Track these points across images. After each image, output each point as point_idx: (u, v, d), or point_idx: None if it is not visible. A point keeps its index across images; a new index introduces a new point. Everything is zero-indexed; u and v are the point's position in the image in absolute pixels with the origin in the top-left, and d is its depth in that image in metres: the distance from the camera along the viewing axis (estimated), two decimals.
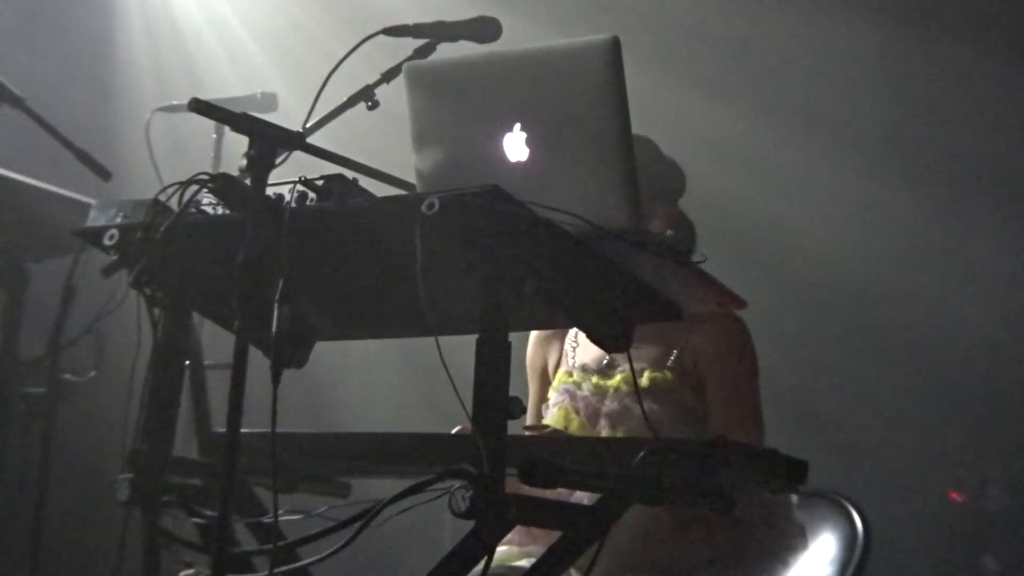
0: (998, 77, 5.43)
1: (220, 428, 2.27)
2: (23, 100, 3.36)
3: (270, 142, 2.13)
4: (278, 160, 2.14)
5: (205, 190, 2.21)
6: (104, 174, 3.39)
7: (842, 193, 5.61)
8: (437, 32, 2.71)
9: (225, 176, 2.21)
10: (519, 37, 2.54)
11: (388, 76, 2.66)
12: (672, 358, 2.84)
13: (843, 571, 2.75)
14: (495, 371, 2.08)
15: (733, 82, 5.67)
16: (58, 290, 3.08)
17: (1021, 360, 5.19)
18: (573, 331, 2.97)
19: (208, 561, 2.16)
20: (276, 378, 2.08)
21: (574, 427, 2.85)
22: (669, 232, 2.89)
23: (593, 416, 2.84)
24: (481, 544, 2.08)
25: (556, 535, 2.23)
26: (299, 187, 2.15)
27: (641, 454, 2.18)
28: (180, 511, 2.41)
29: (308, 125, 2.51)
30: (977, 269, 5.41)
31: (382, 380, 5.55)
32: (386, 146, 3.20)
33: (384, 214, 2.11)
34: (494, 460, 2.03)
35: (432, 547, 4.43)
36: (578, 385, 2.89)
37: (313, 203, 2.15)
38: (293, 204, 2.15)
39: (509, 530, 2.21)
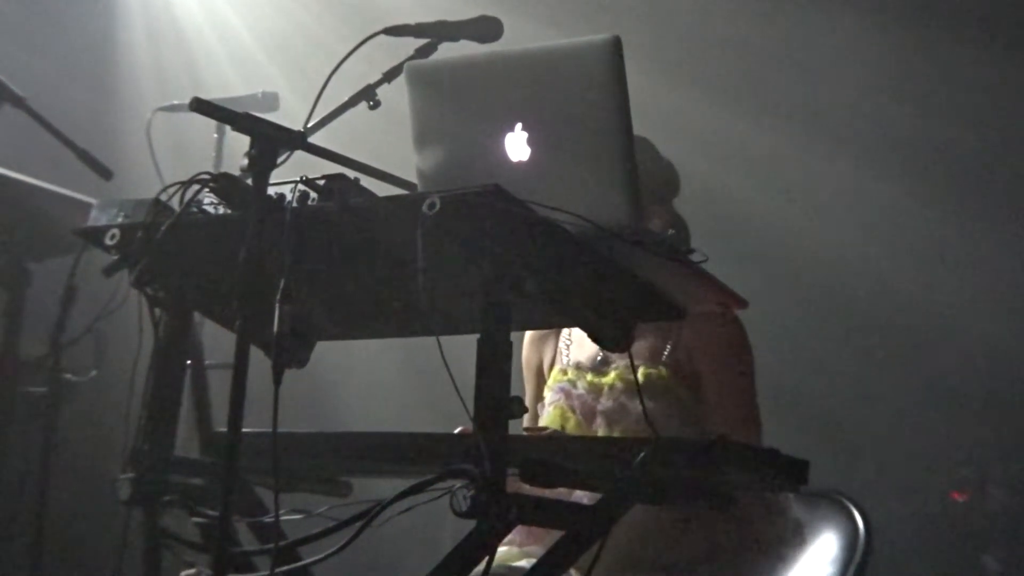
0: (998, 77, 5.42)
1: (221, 428, 2.26)
2: (24, 99, 3.37)
3: (271, 142, 2.13)
4: (279, 160, 2.14)
5: (206, 190, 2.21)
6: (105, 173, 3.40)
7: (842, 193, 5.62)
8: (438, 32, 2.71)
9: (226, 176, 2.21)
10: (520, 37, 2.54)
11: (389, 76, 2.66)
12: (666, 353, 2.84)
13: (844, 570, 2.75)
14: (496, 371, 2.08)
15: (733, 82, 5.67)
16: (59, 290, 3.08)
17: (1021, 360, 5.19)
18: (567, 328, 2.97)
19: (209, 561, 2.17)
20: (277, 378, 2.08)
21: (570, 426, 2.85)
22: (670, 231, 2.89)
23: (589, 414, 2.84)
24: (482, 544, 2.08)
25: (556, 535, 2.23)
26: (300, 187, 2.15)
27: (642, 454, 2.18)
28: (181, 511, 2.41)
29: (309, 125, 2.51)
30: (977, 269, 5.41)
31: (383, 380, 5.55)
32: (387, 145, 3.20)
33: (385, 213, 2.11)
34: (495, 460, 2.03)
35: (433, 547, 4.42)
36: (573, 383, 2.89)
37: (314, 203, 2.15)
38: (294, 204, 2.15)
39: (510, 530, 2.22)
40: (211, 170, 2.35)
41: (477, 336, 2.11)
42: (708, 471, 2.25)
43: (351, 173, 2.18)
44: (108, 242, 2.33)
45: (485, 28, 2.70)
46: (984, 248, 5.40)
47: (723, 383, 2.82)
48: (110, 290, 2.43)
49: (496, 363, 2.08)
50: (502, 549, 2.70)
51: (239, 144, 2.17)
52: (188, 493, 2.41)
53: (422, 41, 2.70)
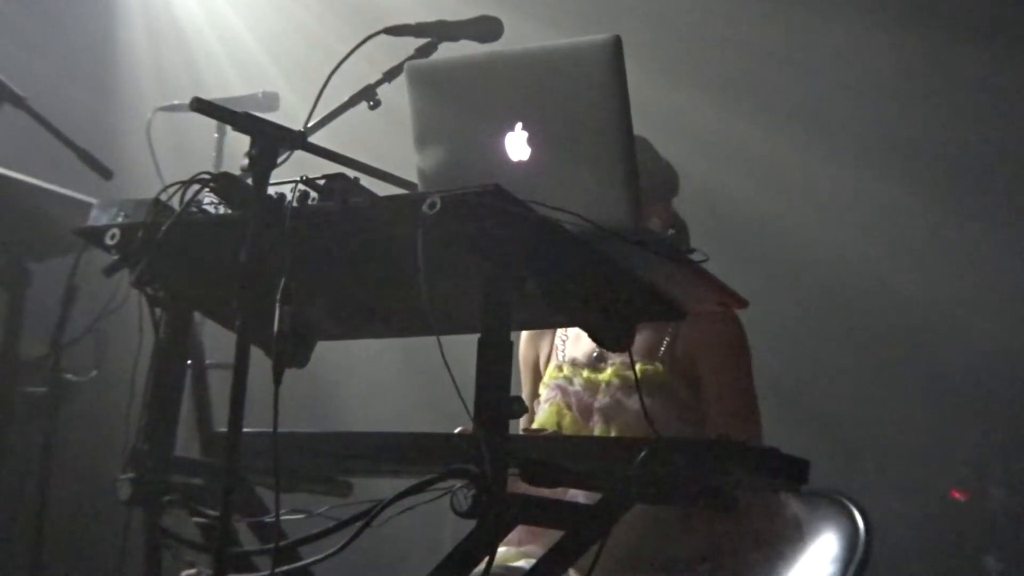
0: (999, 77, 5.43)
1: (222, 428, 2.26)
2: (24, 99, 3.37)
3: (272, 141, 2.13)
4: (280, 159, 2.14)
5: (207, 189, 2.21)
6: (105, 173, 3.39)
7: (842, 193, 5.62)
8: (439, 31, 2.71)
9: (227, 175, 2.21)
10: (520, 37, 2.54)
11: (390, 75, 2.66)
12: (663, 348, 2.84)
13: (844, 570, 2.75)
14: (497, 370, 2.08)
15: (733, 82, 5.67)
16: (59, 290, 3.08)
17: (1021, 360, 5.19)
18: None
19: (209, 560, 2.16)
20: (278, 378, 2.07)
21: (567, 423, 2.85)
22: (670, 231, 2.90)
23: (586, 411, 2.84)
24: (483, 544, 2.08)
25: (555, 535, 2.23)
26: (301, 186, 2.15)
27: (643, 454, 2.18)
28: (181, 511, 2.41)
29: (310, 124, 2.51)
30: (977, 269, 5.41)
31: (384, 380, 5.55)
32: (387, 146, 3.20)
33: (386, 213, 2.11)
34: (496, 460, 2.03)
35: (433, 547, 4.42)
36: (569, 380, 2.89)
37: (315, 202, 2.15)
38: (295, 203, 2.15)
39: (511, 530, 2.22)
40: (211, 170, 2.34)
41: (477, 336, 2.11)
42: (708, 471, 2.25)
43: (351, 173, 2.18)
44: (108, 242, 2.32)
45: (485, 28, 2.70)
46: (984, 248, 5.41)
47: (723, 383, 2.82)
48: (110, 290, 2.43)
49: (496, 363, 2.08)
50: (501, 549, 2.70)
51: (239, 144, 2.17)
52: (188, 493, 2.41)
53: (422, 41, 2.70)
